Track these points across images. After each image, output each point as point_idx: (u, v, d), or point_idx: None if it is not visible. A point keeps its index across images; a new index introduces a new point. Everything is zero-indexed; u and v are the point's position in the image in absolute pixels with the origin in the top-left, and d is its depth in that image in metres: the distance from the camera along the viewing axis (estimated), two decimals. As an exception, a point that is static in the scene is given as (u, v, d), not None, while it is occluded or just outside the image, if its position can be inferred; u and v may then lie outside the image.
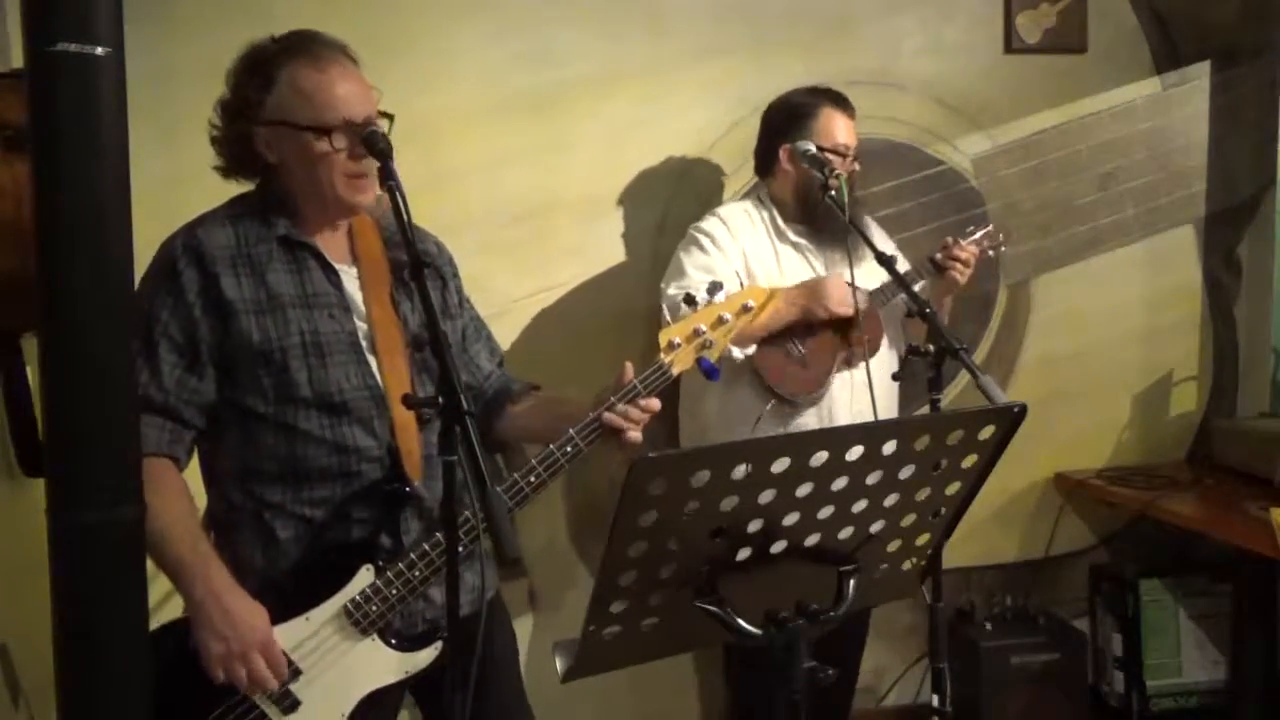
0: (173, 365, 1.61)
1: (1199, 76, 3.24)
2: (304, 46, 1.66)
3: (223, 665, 1.56)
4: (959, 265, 2.50)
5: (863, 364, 2.44)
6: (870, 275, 2.45)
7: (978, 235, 2.61)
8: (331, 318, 1.68)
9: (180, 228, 1.68)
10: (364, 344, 1.70)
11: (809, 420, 2.47)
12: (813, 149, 2.37)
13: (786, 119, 2.53)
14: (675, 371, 1.71)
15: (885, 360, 2.51)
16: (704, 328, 1.71)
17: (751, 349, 2.43)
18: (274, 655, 1.59)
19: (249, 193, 1.74)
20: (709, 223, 2.54)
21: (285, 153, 1.66)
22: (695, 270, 2.43)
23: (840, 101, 2.51)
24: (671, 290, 2.42)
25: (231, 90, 1.68)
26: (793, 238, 2.54)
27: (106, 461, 1.31)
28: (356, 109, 1.63)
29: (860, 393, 2.45)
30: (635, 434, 1.69)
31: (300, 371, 1.64)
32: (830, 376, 2.46)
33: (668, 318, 2.34)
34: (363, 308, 1.72)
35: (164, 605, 2.21)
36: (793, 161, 2.49)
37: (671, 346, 1.71)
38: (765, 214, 2.56)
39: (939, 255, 2.53)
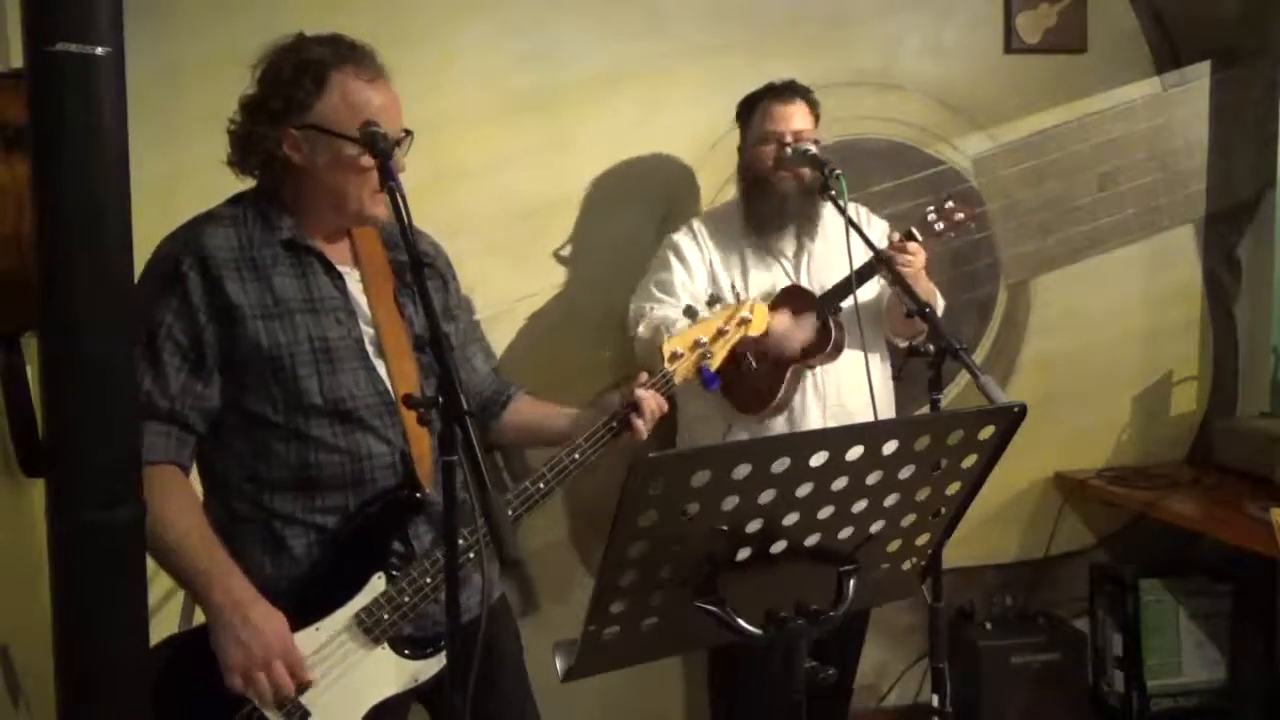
0: (177, 369, 1.57)
1: (1199, 76, 3.24)
2: (354, 56, 1.63)
3: (242, 674, 1.52)
4: (903, 255, 2.26)
5: (835, 373, 2.46)
6: (838, 267, 2.37)
7: (929, 216, 2.37)
8: (339, 323, 1.66)
9: (178, 229, 1.65)
10: (370, 349, 1.68)
11: (779, 426, 2.47)
12: (812, 149, 2.35)
13: (738, 117, 2.59)
14: (678, 380, 1.81)
15: (854, 362, 2.42)
16: (704, 339, 1.82)
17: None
18: (296, 661, 1.55)
19: (246, 192, 1.70)
20: (679, 235, 2.58)
21: (317, 158, 1.62)
22: (654, 287, 2.50)
23: (782, 91, 2.50)
24: (632, 307, 2.51)
25: (270, 88, 1.62)
26: (754, 238, 2.55)
27: (106, 461, 1.31)
28: (394, 126, 1.62)
29: (832, 402, 2.47)
30: (644, 430, 1.75)
31: (310, 379, 1.61)
32: (784, 387, 2.44)
33: (629, 330, 2.48)
34: (368, 311, 1.70)
35: (164, 605, 2.22)
36: (741, 161, 2.54)
37: (675, 356, 1.80)
38: (739, 216, 2.57)
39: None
